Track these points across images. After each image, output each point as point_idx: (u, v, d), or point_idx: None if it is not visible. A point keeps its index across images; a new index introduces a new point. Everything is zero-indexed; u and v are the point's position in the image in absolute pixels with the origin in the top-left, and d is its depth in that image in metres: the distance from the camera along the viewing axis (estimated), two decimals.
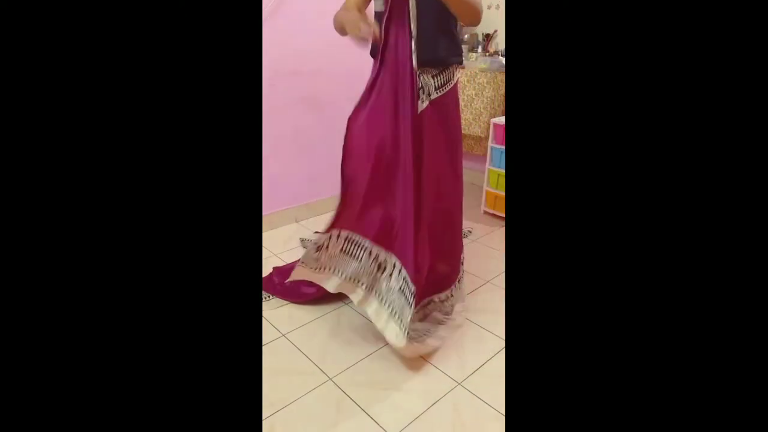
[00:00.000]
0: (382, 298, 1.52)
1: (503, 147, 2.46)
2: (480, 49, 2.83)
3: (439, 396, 1.37)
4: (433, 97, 1.45)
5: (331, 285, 1.59)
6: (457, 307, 1.70)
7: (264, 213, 2.37)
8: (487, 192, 2.63)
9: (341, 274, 1.57)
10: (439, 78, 1.46)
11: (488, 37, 2.83)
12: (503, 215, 2.58)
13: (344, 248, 1.55)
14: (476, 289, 1.93)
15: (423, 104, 1.43)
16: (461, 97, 2.69)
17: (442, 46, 1.43)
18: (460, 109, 1.62)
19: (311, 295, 1.80)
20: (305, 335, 1.64)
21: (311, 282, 1.84)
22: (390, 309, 1.48)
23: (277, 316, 1.73)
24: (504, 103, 2.63)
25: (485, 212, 2.68)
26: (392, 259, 1.50)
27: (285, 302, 1.81)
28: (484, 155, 2.68)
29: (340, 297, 1.83)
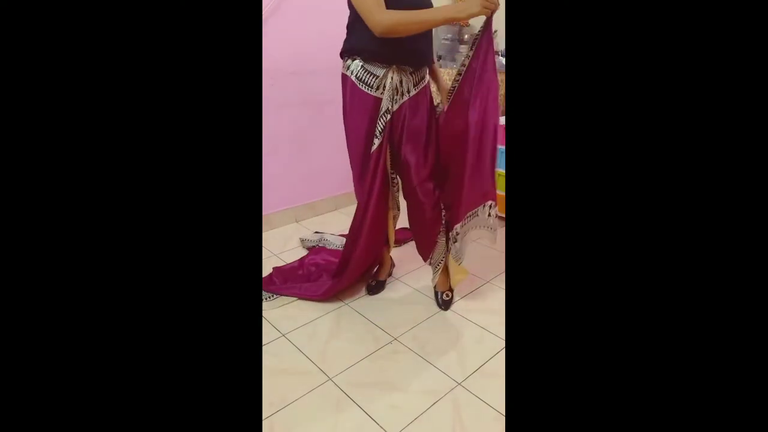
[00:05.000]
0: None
1: (503, 147, 2.46)
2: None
3: (439, 396, 1.37)
4: (411, 93, 1.58)
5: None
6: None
7: (264, 213, 2.36)
8: None
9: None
10: (415, 75, 1.59)
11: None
12: (503, 215, 2.57)
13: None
14: (476, 289, 1.93)
15: (403, 98, 1.58)
16: None
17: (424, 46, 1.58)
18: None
19: (313, 296, 1.82)
20: (305, 335, 1.64)
21: (315, 279, 1.90)
22: None
23: (277, 316, 1.73)
24: (504, 103, 2.63)
25: None
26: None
27: (285, 302, 1.81)
28: None
29: (340, 297, 1.84)
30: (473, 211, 1.66)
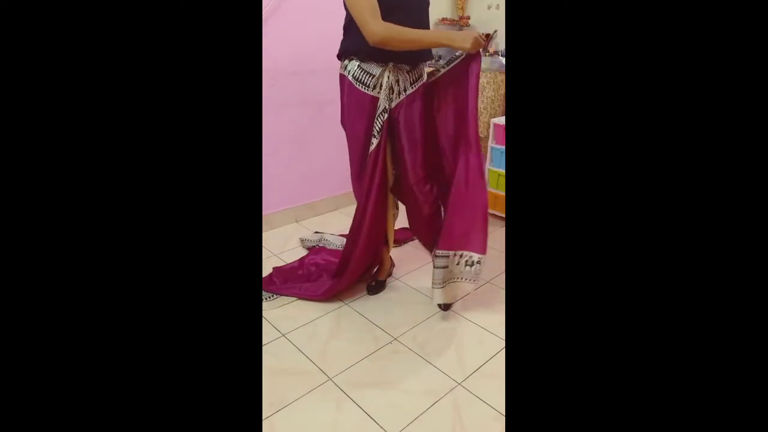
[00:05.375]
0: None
1: (503, 147, 2.46)
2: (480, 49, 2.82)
3: (439, 396, 1.37)
4: (408, 91, 1.58)
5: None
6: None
7: (264, 213, 2.36)
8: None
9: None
10: (412, 74, 1.59)
11: (488, 37, 2.83)
12: (503, 215, 2.57)
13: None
14: (476, 289, 1.93)
15: (399, 97, 1.58)
16: None
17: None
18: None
19: (313, 296, 1.82)
20: (305, 335, 1.64)
21: (315, 279, 1.90)
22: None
23: (277, 316, 1.73)
24: (504, 103, 2.63)
25: None
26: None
27: (285, 302, 1.81)
28: (484, 155, 2.68)
29: (340, 297, 1.84)
30: (444, 253, 1.63)
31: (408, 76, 1.57)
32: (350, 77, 1.55)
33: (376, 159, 1.58)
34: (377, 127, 1.56)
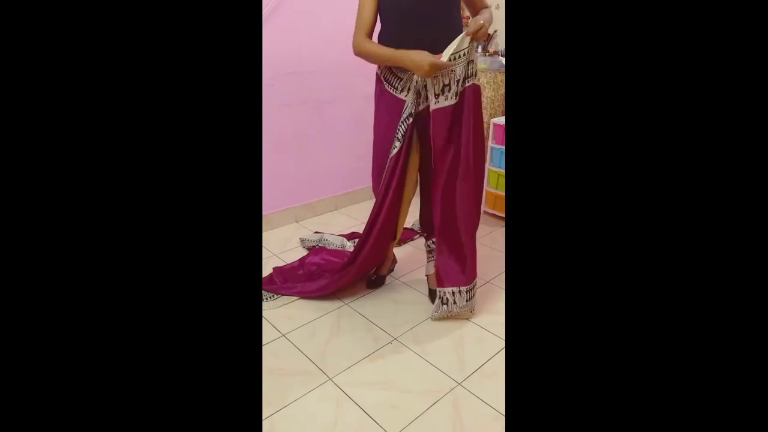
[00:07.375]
0: None
1: (503, 147, 2.46)
2: (480, 49, 2.83)
3: (439, 396, 1.37)
4: (439, 98, 1.55)
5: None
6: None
7: (264, 213, 2.37)
8: (487, 192, 2.63)
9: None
10: (441, 80, 1.57)
11: (488, 37, 2.83)
12: (503, 215, 2.57)
13: None
14: (476, 289, 1.93)
15: (426, 102, 1.56)
16: None
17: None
18: None
19: (314, 291, 1.82)
20: (305, 335, 1.64)
21: (315, 278, 1.91)
22: None
23: (277, 316, 1.73)
24: (504, 103, 2.63)
25: (485, 212, 2.67)
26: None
27: (285, 302, 1.81)
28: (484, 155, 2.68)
29: (340, 297, 1.84)
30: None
31: (438, 82, 1.51)
32: (382, 77, 1.59)
33: (396, 164, 1.58)
34: (401, 132, 1.56)
